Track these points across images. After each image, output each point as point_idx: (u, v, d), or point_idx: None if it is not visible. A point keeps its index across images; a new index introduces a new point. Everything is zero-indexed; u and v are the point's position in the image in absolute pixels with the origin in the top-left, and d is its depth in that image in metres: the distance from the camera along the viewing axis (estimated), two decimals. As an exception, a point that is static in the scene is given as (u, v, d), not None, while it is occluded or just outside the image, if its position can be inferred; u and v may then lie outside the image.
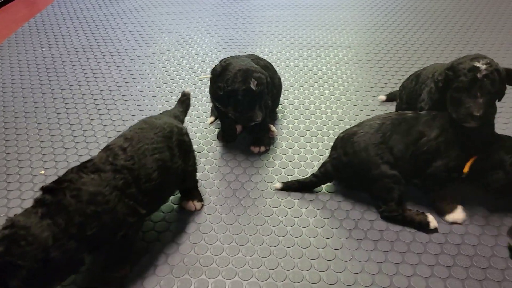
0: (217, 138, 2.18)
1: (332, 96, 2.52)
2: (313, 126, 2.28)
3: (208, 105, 2.41)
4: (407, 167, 1.69)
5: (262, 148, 2.10)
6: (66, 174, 1.38)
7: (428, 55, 2.93)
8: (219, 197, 1.85)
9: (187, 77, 2.72)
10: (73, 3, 3.78)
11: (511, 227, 1.61)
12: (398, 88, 2.34)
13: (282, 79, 2.57)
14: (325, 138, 2.18)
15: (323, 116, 2.36)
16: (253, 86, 1.89)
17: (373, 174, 1.70)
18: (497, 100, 1.72)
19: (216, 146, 2.15)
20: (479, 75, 1.59)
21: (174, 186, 1.68)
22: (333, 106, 2.44)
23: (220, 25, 3.41)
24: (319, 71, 2.77)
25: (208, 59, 2.91)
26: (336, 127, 2.26)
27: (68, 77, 2.74)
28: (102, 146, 2.11)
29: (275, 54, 2.97)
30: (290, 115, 2.38)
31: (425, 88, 1.94)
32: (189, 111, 2.38)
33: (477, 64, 1.61)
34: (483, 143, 1.67)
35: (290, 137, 2.20)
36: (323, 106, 2.44)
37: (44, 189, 1.31)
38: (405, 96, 2.15)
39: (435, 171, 1.67)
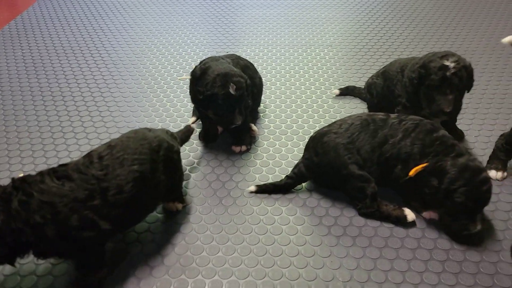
0: (199, 138, 2.19)
1: (314, 95, 2.54)
2: (295, 125, 2.30)
3: (190, 105, 2.41)
4: (374, 169, 1.70)
5: (244, 148, 2.11)
6: (36, 174, 1.37)
7: (408, 53, 2.96)
8: (200, 197, 1.85)
9: (169, 77, 2.72)
10: (54, 5, 3.75)
11: None
12: (345, 84, 2.54)
13: (264, 78, 2.59)
14: (306, 136, 2.18)
15: (305, 114, 2.38)
16: (232, 90, 1.90)
17: (342, 174, 1.72)
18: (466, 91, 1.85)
19: (197, 146, 2.15)
20: (448, 74, 1.71)
21: (153, 202, 1.59)
22: (314, 104, 2.46)
23: (203, 25, 3.41)
24: (301, 70, 2.79)
25: (190, 59, 2.91)
26: (317, 125, 2.28)
27: (49, 79, 2.72)
28: (83, 148, 2.12)
29: (257, 53, 2.99)
30: (271, 114, 2.39)
31: (397, 84, 1.98)
32: (171, 111, 2.41)
33: (446, 63, 1.73)
34: (442, 146, 1.62)
35: (271, 136, 2.22)
36: (304, 104, 2.46)
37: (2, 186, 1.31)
38: (375, 92, 2.22)
39: (396, 177, 1.67)
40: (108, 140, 2.14)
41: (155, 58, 2.94)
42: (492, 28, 3.26)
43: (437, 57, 1.79)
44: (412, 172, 1.60)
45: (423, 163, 1.59)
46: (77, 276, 1.48)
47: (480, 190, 1.50)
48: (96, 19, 3.50)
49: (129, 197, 1.42)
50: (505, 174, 1.88)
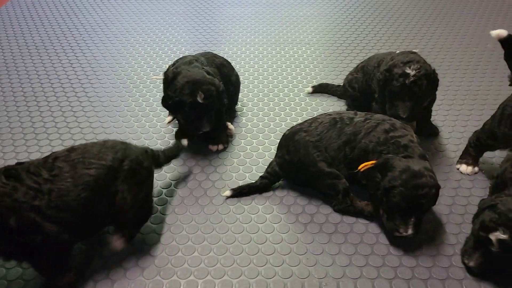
0: (175, 137, 2.16)
1: (291, 93, 2.54)
2: (272, 123, 2.29)
3: (166, 104, 2.38)
4: (342, 167, 1.71)
5: (221, 146, 2.10)
6: None
7: (384, 51, 2.99)
8: (176, 197, 1.83)
9: (145, 76, 2.69)
10: (28, 4, 3.66)
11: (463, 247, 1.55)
12: (323, 81, 2.57)
13: (242, 76, 2.58)
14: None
15: (282, 112, 2.38)
16: (199, 99, 1.88)
17: (313, 172, 1.73)
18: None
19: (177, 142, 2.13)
20: (407, 81, 1.77)
21: (110, 214, 1.47)
22: (292, 102, 2.46)
23: (181, 24, 3.38)
24: (279, 68, 2.79)
25: (167, 58, 2.88)
26: (294, 123, 2.25)
27: (21, 79, 2.65)
28: (56, 149, 2.07)
29: (235, 52, 2.97)
30: (249, 112, 2.38)
31: (374, 79, 2.01)
32: (147, 110, 2.38)
33: (408, 70, 1.79)
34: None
35: (248, 135, 2.21)
36: (282, 102, 2.46)
37: None
38: (357, 86, 2.25)
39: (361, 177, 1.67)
40: (83, 141, 2.13)
41: (132, 57, 2.90)
42: (466, 26, 3.31)
43: (400, 63, 1.86)
44: (360, 167, 1.61)
45: (373, 160, 1.60)
46: (45, 281, 1.45)
47: (415, 194, 1.47)
48: (71, 17, 3.43)
49: (78, 201, 1.36)
50: (476, 169, 1.91)
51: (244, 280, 1.50)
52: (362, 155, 1.65)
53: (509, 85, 1.89)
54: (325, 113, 1.85)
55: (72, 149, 1.46)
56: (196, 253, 1.59)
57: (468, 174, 1.91)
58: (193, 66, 2.02)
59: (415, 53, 2.01)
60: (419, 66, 1.83)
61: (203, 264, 1.55)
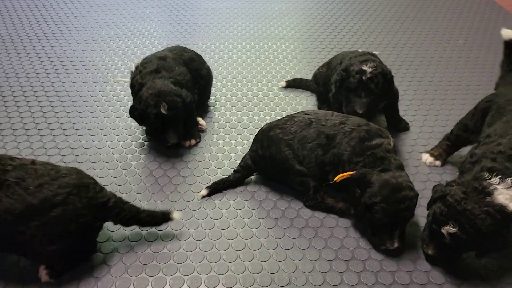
0: (145, 133, 2.12)
1: (265, 88, 2.53)
2: (245, 118, 2.28)
3: (138, 99, 2.33)
4: (313, 168, 1.70)
5: (193, 142, 2.07)
6: None
7: (358, 46, 3.01)
8: (146, 193, 1.80)
9: (116, 70, 2.63)
10: (-5, -5, 3.54)
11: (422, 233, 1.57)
12: (297, 76, 2.58)
13: (215, 71, 2.56)
14: (257, 129, 2.15)
15: (255, 107, 2.36)
16: (163, 110, 1.87)
17: (283, 168, 1.72)
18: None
19: (144, 141, 2.09)
20: (364, 78, 1.81)
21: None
22: (265, 97, 2.45)
23: (154, 17, 3.32)
24: (253, 63, 2.77)
25: (139, 52, 2.83)
26: (267, 118, 2.27)
27: (-14, 73, 2.56)
28: (21, 145, 2.02)
29: (209, 46, 2.94)
30: (222, 107, 2.36)
31: (334, 73, 2.04)
32: (117, 105, 2.32)
33: (364, 68, 1.84)
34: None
35: (221, 130, 2.19)
36: (255, 97, 2.44)
37: None
38: (321, 81, 2.28)
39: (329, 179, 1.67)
40: (51, 137, 2.07)
41: (103, 51, 2.83)
42: (438, 22, 3.36)
43: (357, 61, 1.90)
44: (337, 178, 1.58)
45: (350, 171, 1.56)
46: None
47: (398, 208, 1.46)
48: (39, 9, 3.33)
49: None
50: (438, 162, 1.94)
51: (214, 276, 1.48)
52: (336, 161, 1.62)
53: (494, 89, 1.91)
54: (303, 112, 1.84)
55: (23, 167, 1.37)
56: (166, 249, 1.57)
57: (426, 164, 1.95)
58: (159, 76, 1.99)
59: (374, 54, 2.06)
60: (375, 65, 1.89)
61: (172, 260, 1.53)
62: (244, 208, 1.74)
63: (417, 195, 1.53)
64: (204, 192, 1.79)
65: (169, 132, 1.92)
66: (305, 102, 2.41)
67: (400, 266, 1.52)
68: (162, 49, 2.27)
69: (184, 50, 2.22)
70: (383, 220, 1.48)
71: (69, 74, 2.58)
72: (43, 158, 1.94)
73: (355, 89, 1.88)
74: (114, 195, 1.50)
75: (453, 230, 1.36)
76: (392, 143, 1.63)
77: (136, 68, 2.09)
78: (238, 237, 1.62)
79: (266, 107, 2.36)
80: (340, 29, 3.24)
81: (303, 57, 2.85)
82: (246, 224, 1.67)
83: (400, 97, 2.40)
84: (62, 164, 1.89)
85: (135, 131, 2.15)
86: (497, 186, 1.36)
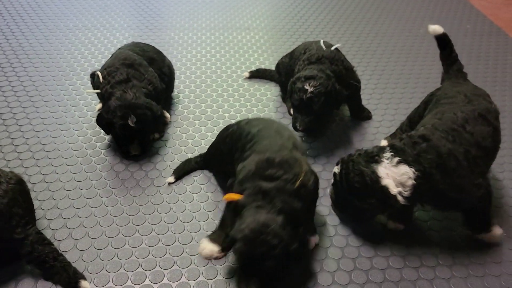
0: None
1: (229, 79, 2.51)
2: (209, 110, 2.26)
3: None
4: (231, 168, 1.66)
5: (156, 135, 2.03)
6: None
7: (323, 36, 3.02)
8: (107, 189, 1.76)
9: (75, 64, 2.55)
10: None
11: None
12: (261, 67, 2.58)
13: (179, 63, 2.53)
14: (221, 121, 2.17)
15: (220, 99, 2.34)
16: (131, 123, 1.83)
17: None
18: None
19: (105, 135, 2.04)
20: (304, 97, 1.81)
21: None
22: (230, 89, 2.43)
23: (116, 8, 3.23)
24: (217, 54, 2.75)
25: (100, 44, 2.75)
26: (232, 109, 2.26)
27: None
28: (-26, 143, 1.93)
29: (172, 37, 2.89)
30: (185, 99, 2.33)
31: (297, 63, 2.04)
32: (77, 100, 2.26)
33: (306, 87, 1.82)
34: None
35: (184, 122, 2.16)
36: (219, 89, 2.42)
37: None
38: (283, 71, 2.27)
39: None
40: (6, 134, 1.99)
41: (61, 44, 2.74)
42: (401, 11, 3.41)
43: (303, 77, 1.88)
44: (225, 197, 1.42)
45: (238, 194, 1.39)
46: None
47: (254, 252, 1.27)
48: (-6, 2, 3.19)
49: None
50: None
51: (176, 269, 1.47)
52: (237, 174, 1.47)
53: (440, 83, 1.93)
54: (266, 119, 1.80)
55: None
56: (127, 245, 1.54)
57: None
58: (130, 86, 1.93)
59: (333, 52, 2.02)
60: (317, 84, 1.84)
61: (134, 256, 1.51)
62: (207, 201, 1.73)
63: (284, 246, 1.28)
64: (171, 179, 1.80)
65: (134, 144, 1.89)
66: (269, 92, 2.41)
67: (344, 253, 1.55)
68: (120, 45, 2.22)
69: (144, 49, 2.17)
70: (239, 261, 1.36)
71: (26, 68, 2.49)
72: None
73: (297, 105, 1.89)
74: (35, 233, 1.40)
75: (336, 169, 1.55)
76: (298, 183, 1.36)
77: (104, 78, 2.00)
78: (201, 230, 1.61)
79: (231, 99, 2.35)
80: (304, 19, 3.25)
81: (268, 48, 2.85)
82: (209, 217, 1.66)
83: (362, 86, 2.43)
84: (19, 162, 1.85)
85: (95, 126, 2.09)
86: (385, 160, 1.44)
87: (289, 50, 2.77)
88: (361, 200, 1.48)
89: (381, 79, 2.57)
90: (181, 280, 1.44)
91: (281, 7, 3.42)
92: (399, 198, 1.40)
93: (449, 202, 1.45)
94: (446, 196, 1.42)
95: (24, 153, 1.90)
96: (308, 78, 1.85)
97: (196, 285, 1.43)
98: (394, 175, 1.41)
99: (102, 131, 1.98)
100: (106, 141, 2.01)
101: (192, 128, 2.12)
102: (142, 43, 2.26)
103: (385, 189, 1.41)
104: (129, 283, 1.42)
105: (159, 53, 2.25)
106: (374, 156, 1.47)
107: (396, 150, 1.45)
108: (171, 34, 2.93)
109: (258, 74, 2.51)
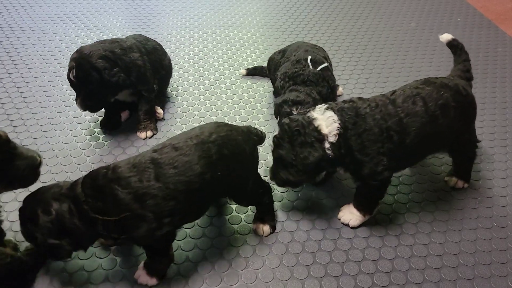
0: (100, 125, 2.10)
1: (222, 76, 2.53)
2: (202, 107, 2.28)
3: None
4: None
5: (149, 133, 2.06)
6: None
7: (314, 32, 3.04)
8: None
9: (65, 61, 2.55)
10: None
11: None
12: (254, 64, 2.59)
13: (172, 61, 2.53)
14: (214, 118, 2.19)
15: (212, 96, 2.36)
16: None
17: None
18: None
19: (99, 134, 2.06)
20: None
21: None
22: (223, 86, 2.45)
23: (108, 8, 3.24)
24: (210, 52, 2.77)
25: (90, 41, 2.75)
26: (225, 107, 2.28)
27: None
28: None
29: (165, 36, 2.91)
30: (179, 97, 2.35)
31: (286, 62, 2.05)
32: (71, 100, 2.28)
33: (294, 112, 1.79)
34: None
35: (178, 120, 2.18)
36: (212, 86, 2.44)
37: None
38: (272, 68, 2.28)
39: None
40: (14, 135, 2.00)
41: (54, 45, 2.75)
42: (392, 6, 3.43)
43: (289, 102, 1.85)
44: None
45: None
46: None
47: None
48: (-14, 4, 3.20)
49: None
50: None
51: (172, 265, 1.50)
52: None
53: None
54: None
55: None
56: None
57: None
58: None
59: (318, 72, 1.96)
60: (305, 110, 1.77)
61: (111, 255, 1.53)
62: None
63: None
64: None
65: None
66: (262, 89, 2.43)
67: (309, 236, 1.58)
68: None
69: (147, 39, 2.18)
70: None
71: (20, 69, 2.50)
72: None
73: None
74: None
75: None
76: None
77: None
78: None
79: (224, 96, 2.37)
80: (296, 15, 3.27)
81: (260, 44, 2.87)
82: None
83: (354, 81, 2.45)
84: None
85: (89, 125, 2.11)
86: (317, 108, 1.54)
87: (281, 47, 2.80)
88: (303, 147, 1.51)
89: (372, 73, 2.59)
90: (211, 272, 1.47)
91: (272, 4, 3.44)
92: (327, 144, 1.48)
93: (354, 162, 1.51)
94: (353, 155, 1.49)
95: (19, 154, 1.92)
96: (295, 103, 1.83)
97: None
98: (324, 119, 1.50)
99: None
100: (100, 140, 2.03)
101: (185, 126, 2.14)
102: (147, 37, 2.26)
103: (318, 129, 1.49)
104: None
105: (161, 46, 2.26)
106: (308, 110, 1.57)
107: (326, 105, 1.55)
108: (163, 33, 2.94)
109: (254, 72, 2.54)
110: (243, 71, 2.54)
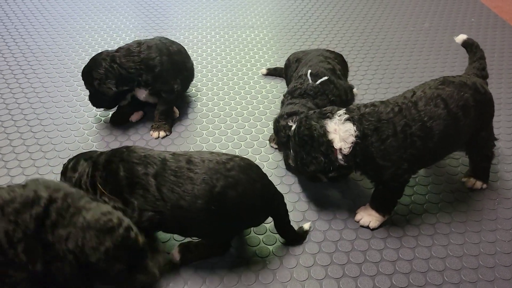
0: (110, 120, 2.14)
1: (235, 77, 2.53)
2: (227, 107, 2.28)
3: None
4: None
5: (161, 134, 2.06)
6: None
7: (326, 32, 3.04)
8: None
9: (83, 65, 2.57)
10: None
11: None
12: (267, 65, 2.62)
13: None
14: (240, 118, 2.19)
15: (226, 97, 2.36)
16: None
17: None
18: None
19: (115, 134, 2.07)
20: (290, 134, 1.69)
21: None
22: (236, 86, 2.45)
23: (121, 9, 3.26)
24: (223, 52, 2.77)
25: (106, 45, 2.78)
26: (249, 106, 2.28)
27: None
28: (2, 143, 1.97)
29: (178, 37, 2.91)
30: (203, 97, 2.35)
31: (302, 69, 2.02)
32: (85, 100, 2.29)
33: (290, 123, 1.74)
34: None
35: (204, 119, 2.19)
36: (226, 87, 2.45)
37: None
38: (289, 75, 2.21)
39: None
40: (18, 134, 2.03)
41: (68, 45, 2.77)
42: (405, 6, 3.41)
43: (285, 114, 1.80)
44: None
45: None
46: None
47: None
48: (1, 5, 3.22)
49: None
50: None
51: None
52: None
53: None
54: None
55: None
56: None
57: None
58: (128, 46, 2.06)
59: (317, 86, 1.89)
60: (302, 119, 1.67)
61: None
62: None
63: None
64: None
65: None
66: (275, 89, 2.42)
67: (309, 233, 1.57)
68: (134, 39, 2.25)
69: (173, 42, 2.21)
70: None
71: (35, 70, 2.52)
72: (10, 156, 1.91)
73: (285, 143, 1.79)
74: None
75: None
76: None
77: None
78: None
79: (237, 96, 2.37)
80: (308, 16, 3.26)
81: (272, 45, 2.86)
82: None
83: (368, 81, 2.44)
84: (31, 162, 1.88)
85: (105, 125, 2.13)
86: (337, 117, 1.50)
87: (293, 48, 2.81)
88: (308, 155, 1.52)
89: (386, 73, 2.58)
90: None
91: (284, 4, 3.43)
92: (339, 155, 1.48)
93: (374, 168, 1.49)
94: (373, 161, 1.47)
95: (35, 153, 1.94)
96: (290, 115, 1.78)
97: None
98: (340, 132, 1.48)
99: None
100: (116, 139, 2.04)
101: (212, 125, 2.15)
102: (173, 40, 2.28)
103: (330, 143, 1.48)
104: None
105: (185, 50, 2.27)
106: (328, 113, 1.53)
107: (348, 111, 1.51)
108: (176, 34, 2.95)
109: (275, 73, 2.53)
110: (264, 71, 2.54)
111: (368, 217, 1.61)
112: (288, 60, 2.31)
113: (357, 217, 1.64)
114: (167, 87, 2.06)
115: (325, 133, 1.49)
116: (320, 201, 1.74)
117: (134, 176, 1.35)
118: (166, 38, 2.21)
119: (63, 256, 1.14)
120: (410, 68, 2.64)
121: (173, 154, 1.41)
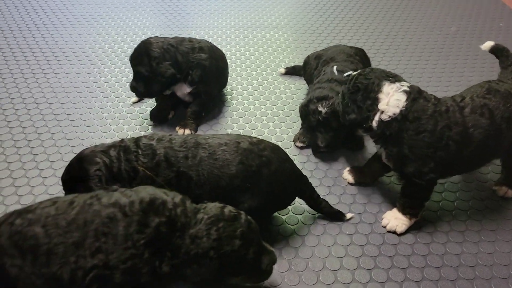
0: (150, 117, 2.15)
1: (260, 77, 2.53)
2: (263, 107, 2.28)
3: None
4: None
5: (187, 131, 2.06)
6: None
7: (351, 34, 3.01)
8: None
9: (109, 61, 2.61)
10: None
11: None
12: (290, 65, 2.59)
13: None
14: (276, 118, 2.19)
15: (250, 97, 2.36)
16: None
17: None
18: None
19: (140, 132, 2.08)
20: (320, 118, 1.83)
21: None
22: (260, 86, 2.45)
23: (146, 7, 3.29)
24: (247, 52, 2.77)
25: (132, 42, 2.80)
26: (285, 107, 2.28)
27: (-23, 65, 2.53)
28: (16, 137, 2.00)
29: (202, 36, 2.92)
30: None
31: (324, 68, 2.02)
32: (112, 96, 2.31)
33: (320, 108, 1.84)
34: None
35: (240, 118, 2.19)
36: (250, 87, 2.44)
37: None
38: (308, 71, 2.25)
39: None
40: (46, 128, 2.05)
41: (95, 42, 2.80)
42: (431, 9, 3.37)
43: (315, 99, 1.86)
44: None
45: None
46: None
47: None
48: (30, 1, 3.28)
49: None
50: None
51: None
52: None
53: None
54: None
55: None
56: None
57: None
58: (181, 39, 2.07)
59: (344, 77, 1.91)
60: (330, 104, 1.83)
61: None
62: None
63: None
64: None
65: (132, 82, 2.04)
66: (299, 90, 2.41)
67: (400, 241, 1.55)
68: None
69: (217, 48, 2.25)
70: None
71: (62, 65, 2.56)
72: (39, 150, 1.94)
73: (315, 126, 1.89)
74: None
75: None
76: None
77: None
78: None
79: (261, 96, 2.36)
80: (333, 17, 3.24)
81: (297, 46, 2.85)
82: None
83: (394, 85, 2.39)
84: (58, 156, 1.91)
85: (131, 122, 2.14)
86: (397, 83, 1.50)
87: (319, 48, 2.77)
88: (353, 103, 1.55)
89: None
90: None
91: (309, 5, 3.42)
92: (377, 116, 1.49)
93: (397, 153, 1.49)
94: (400, 146, 1.47)
95: (63, 148, 1.96)
96: (320, 100, 1.85)
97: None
98: (391, 98, 1.47)
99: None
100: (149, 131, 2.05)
101: (248, 125, 2.15)
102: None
103: (376, 101, 1.49)
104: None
105: (224, 56, 2.31)
106: (391, 76, 1.53)
107: (411, 87, 1.50)
108: (200, 33, 2.96)
109: (294, 71, 2.53)
110: (282, 70, 2.55)
111: (395, 220, 1.59)
112: (308, 57, 2.33)
113: (384, 221, 1.62)
114: (208, 89, 2.09)
115: (378, 90, 1.50)
116: (346, 204, 1.72)
117: (172, 159, 1.40)
118: (208, 42, 2.22)
119: (203, 254, 1.15)
120: (437, 73, 2.60)
121: (206, 137, 1.48)
